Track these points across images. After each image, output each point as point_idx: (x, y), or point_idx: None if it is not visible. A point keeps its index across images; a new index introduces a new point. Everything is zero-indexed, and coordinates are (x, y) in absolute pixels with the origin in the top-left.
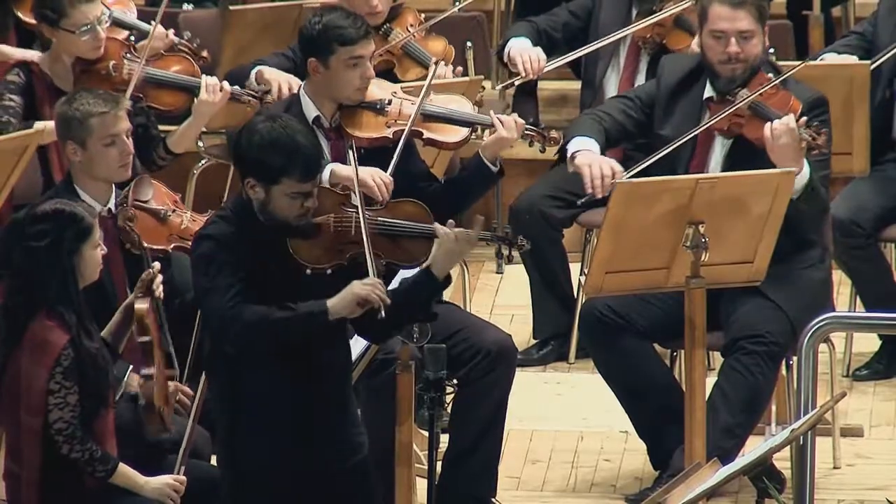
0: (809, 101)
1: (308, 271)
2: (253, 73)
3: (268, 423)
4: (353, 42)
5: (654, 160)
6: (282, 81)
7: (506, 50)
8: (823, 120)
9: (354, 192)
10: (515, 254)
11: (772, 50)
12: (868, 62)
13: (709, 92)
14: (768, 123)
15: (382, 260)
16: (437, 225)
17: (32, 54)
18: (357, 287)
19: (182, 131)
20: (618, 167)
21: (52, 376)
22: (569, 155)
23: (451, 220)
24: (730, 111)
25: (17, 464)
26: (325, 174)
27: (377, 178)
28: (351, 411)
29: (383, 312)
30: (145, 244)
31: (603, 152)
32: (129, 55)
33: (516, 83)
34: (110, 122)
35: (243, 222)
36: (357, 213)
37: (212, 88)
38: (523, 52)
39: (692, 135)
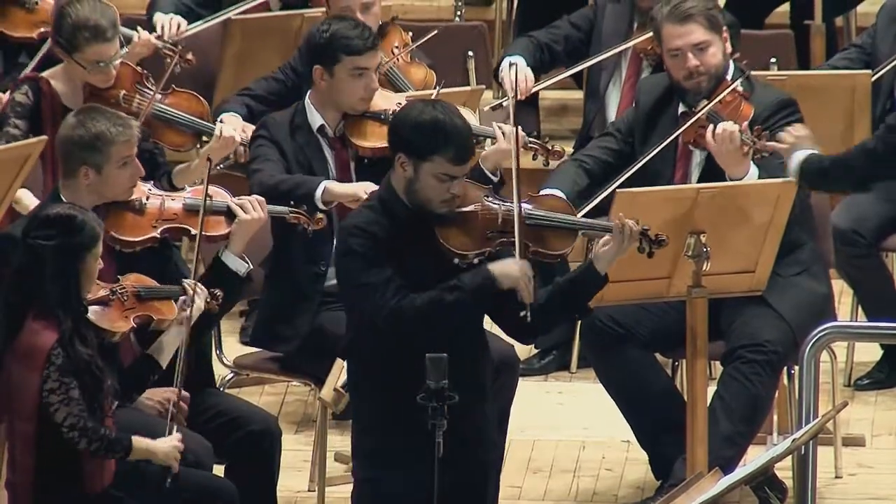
0: (777, 103)
1: (455, 260)
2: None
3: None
4: (358, 52)
5: (625, 177)
6: (236, 129)
7: (500, 68)
8: (794, 120)
9: (512, 180)
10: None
11: (773, 60)
12: (869, 72)
13: (682, 108)
14: (710, 129)
15: (530, 249)
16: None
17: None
18: (514, 266)
19: (189, 172)
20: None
21: (47, 377)
22: None
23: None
24: (691, 122)
25: (14, 471)
26: (318, 191)
27: None
28: (490, 406)
29: (529, 315)
30: (132, 239)
31: (581, 195)
32: (141, 86)
33: (504, 104)
34: (128, 147)
35: (389, 211)
36: (503, 204)
37: (223, 143)
38: (511, 72)
39: (659, 149)
